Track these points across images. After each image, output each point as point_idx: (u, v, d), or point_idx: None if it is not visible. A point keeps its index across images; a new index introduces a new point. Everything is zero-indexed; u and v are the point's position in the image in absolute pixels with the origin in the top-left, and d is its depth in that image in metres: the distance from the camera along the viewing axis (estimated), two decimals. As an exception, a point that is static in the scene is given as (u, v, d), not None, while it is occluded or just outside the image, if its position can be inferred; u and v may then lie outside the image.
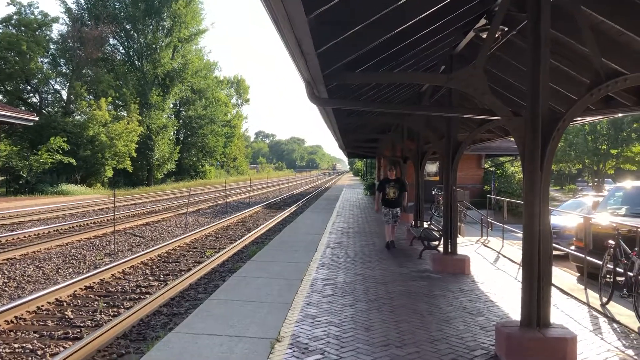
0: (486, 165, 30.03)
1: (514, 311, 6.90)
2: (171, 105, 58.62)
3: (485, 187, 27.35)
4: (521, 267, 9.91)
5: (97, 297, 8.83)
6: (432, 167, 26.92)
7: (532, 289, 5.22)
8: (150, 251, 12.51)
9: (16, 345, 6.45)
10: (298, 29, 3.62)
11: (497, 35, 6.66)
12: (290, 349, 5.34)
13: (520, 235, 13.03)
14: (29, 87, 42.55)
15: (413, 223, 14.10)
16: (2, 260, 11.51)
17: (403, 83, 10.88)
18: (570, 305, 7.41)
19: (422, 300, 7.46)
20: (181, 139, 62.80)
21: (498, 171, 29.27)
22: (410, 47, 7.36)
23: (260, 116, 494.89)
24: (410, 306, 7.12)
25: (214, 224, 18.66)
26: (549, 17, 5.22)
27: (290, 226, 16.69)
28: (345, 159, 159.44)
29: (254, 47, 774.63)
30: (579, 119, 9.06)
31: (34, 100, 43.43)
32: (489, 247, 12.91)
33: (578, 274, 10.68)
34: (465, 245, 12.98)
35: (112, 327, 6.78)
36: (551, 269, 5.45)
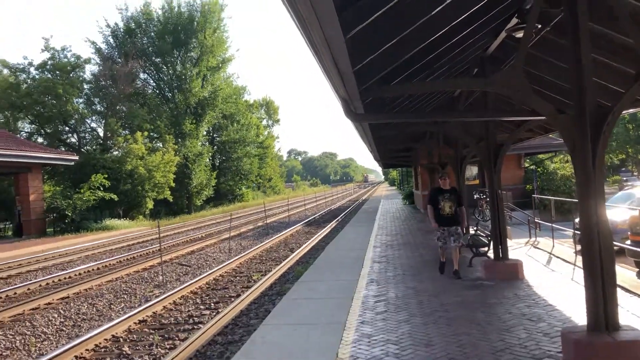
0: (526, 164, 29.42)
1: (576, 315, 6.66)
2: (204, 133, 59.51)
3: (528, 186, 26.75)
4: (575, 267, 9.63)
5: (151, 331, 8.91)
6: (471, 171, 26.50)
7: (596, 291, 5.02)
8: (198, 280, 12.60)
9: (79, 385, 6.54)
10: (336, 50, 3.59)
11: (531, 33, 6.52)
12: (351, 371, 5.25)
13: (570, 233, 12.71)
14: (67, 128, 43.90)
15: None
16: (57, 300, 11.76)
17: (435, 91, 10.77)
18: (636, 304, 7.11)
19: (478, 310, 7.27)
20: (217, 164, 63.62)
21: (539, 169, 28.62)
22: (442, 55, 7.29)
23: (291, 135, 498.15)
24: (468, 317, 6.95)
25: (257, 246, 18.73)
26: (587, 9, 5.08)
27: (333, 243, 16.62)
28: (378, 169, 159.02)
29: (278, 66, 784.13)
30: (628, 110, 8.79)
31: (73, 140, 44.75)
32: (539, 249, 12.56)
33: (638, 269, 10.28)
34: (515, 248, 12.65)
35: (170, 361, 6.81)
36: (614, 267, 5.23)
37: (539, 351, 5.45)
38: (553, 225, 12.72)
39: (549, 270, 9.92)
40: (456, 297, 8.08)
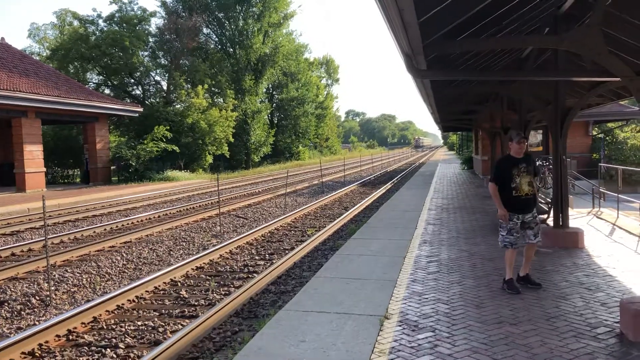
0: (594, 132, 28.15)
1: (637, 286, 6.45)
2: (264, 90, 59.85)
3: (594, 155, 25.68)
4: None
5: (208, 277, 9.26)
6: (533, 137, 25.62)
7: (661, 263, 4.82)
8: (254, 232, 12.92)
9: (139, 323, 6.91)
10: (401, -2, 3.49)
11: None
12: (400, 326, 5.29)
13: (637, 205, 12.15)
14: (132, 80, 45.19)
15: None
16: (120, 244, 12.36)
17: (503, 49, 10.35)
18: (703, 280, 6.79)
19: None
20: (275, 122, 64.08)
21: (607, 138, 27.34)
22: (511, 11, 6.97)
23: (349, 95, 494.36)
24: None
25: (311, 203, 18.95)
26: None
27: (388, 204, 16.57)
28: (436, 132, 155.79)
29: (337, 25, 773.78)
30: None
31: (137, 92, 46.12)
32: (602, 219, 12.11)
33: None
34: (576, 217, 12.24)
35: (224, 306, 7.07)
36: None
37: (595, 320, 5.32)
38: (619, 195, 12.21)
39: (611, 241, 9.57)
40: (511, 262, 7.93)
